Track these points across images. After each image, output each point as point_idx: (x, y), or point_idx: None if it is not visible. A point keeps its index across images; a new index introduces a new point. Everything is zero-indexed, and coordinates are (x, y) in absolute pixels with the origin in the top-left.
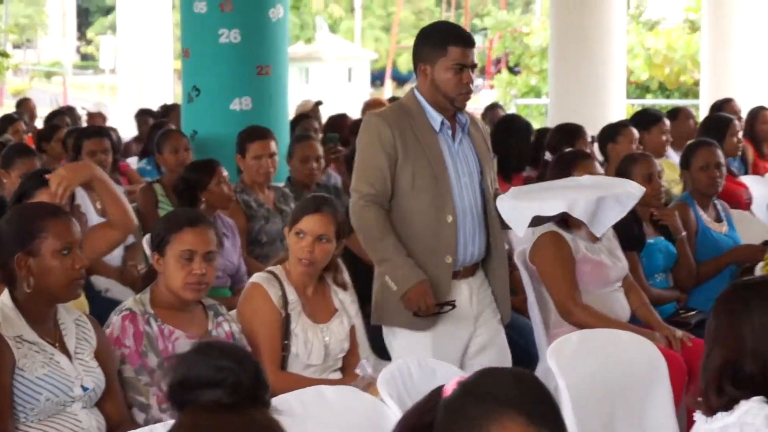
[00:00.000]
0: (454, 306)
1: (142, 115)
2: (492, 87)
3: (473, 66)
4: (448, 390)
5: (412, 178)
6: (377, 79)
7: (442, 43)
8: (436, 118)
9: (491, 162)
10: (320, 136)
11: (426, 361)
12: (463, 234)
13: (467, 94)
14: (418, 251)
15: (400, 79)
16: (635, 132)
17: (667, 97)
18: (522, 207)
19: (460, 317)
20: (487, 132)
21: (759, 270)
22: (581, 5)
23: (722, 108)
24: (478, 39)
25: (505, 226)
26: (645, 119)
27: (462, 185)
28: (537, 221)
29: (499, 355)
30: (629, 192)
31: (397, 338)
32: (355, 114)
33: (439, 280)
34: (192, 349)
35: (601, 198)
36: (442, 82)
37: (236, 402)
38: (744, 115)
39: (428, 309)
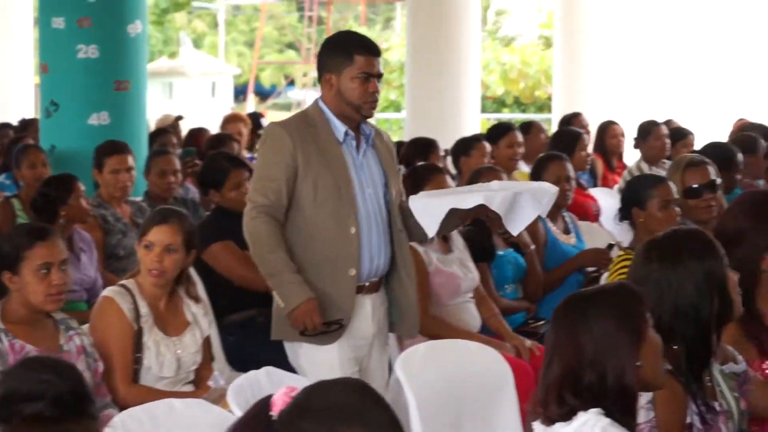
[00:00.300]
0: (341, 325)
1: (1, 129)
2: None
3: (379, 75)
4: (278, 402)
5: (314, 189)
6: (240, 93)
7: (348, 52)
8: (340, 128)
9: (397, 174)
10: (179, 150)
11: (275, 372)
12: (368, 246)
13: (373, 102)
14: (320, 263)
15: (263, 94)
16: (487, 146)
17: (523, 111)
18: (436, 203)
19: (360, 334)
20: (392, 145)
21: (604, 279)
22: (437, 22)
23: (570, 122)
24: None
25: (415, 237)
26: (494, 132)
27: (366, 197)
28: (446, 225)
29: (381, 383)
30: (544, 189)
31: (303, 354)
32: (216, 128)
33: (341, 293)
34: (16, 363)
35: (517, 193)
36: (348, 90)
37: (58, 414)
38: (593, 128)
39: (314, 328)
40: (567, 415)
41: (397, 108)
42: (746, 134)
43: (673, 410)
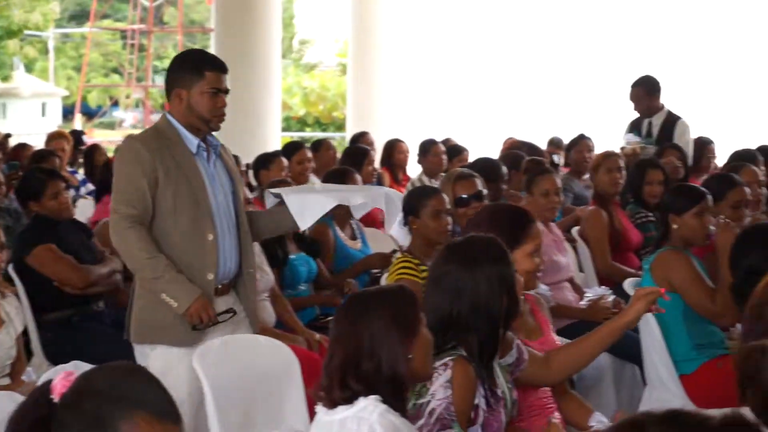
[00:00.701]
0: (235, 312)
1: None
2: None
3: (226, 91)
4: (57, 386)
5: (173, 199)
6: (69, 113)
7: (199, 68)
8: (192, 141)
9: (242, 182)
10: (4, 165)
11: (82, 366)
12: (223, 251)
13: (221, 116)
14: (181, 268)
15: (89, 114)
16: (285, 161)
17: (324, 130)
18: (316, 198)
19: (219, 334)
20: (231, 156)
21: (384, 280)
22: (242, 51)
23: (359, 140)
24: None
25: (261, 235)
26: (287, 149)
27: (219, 204)
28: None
29: None
30: (397, 194)
31: (155, 356)
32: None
33: None
34: None
35: (386, 194)
36: (198, 104)
37: None
38: (380, 145)
39: (210, 320)
40: (349, 399)
41: None
42: (513, 151)
43: (467, 391)
